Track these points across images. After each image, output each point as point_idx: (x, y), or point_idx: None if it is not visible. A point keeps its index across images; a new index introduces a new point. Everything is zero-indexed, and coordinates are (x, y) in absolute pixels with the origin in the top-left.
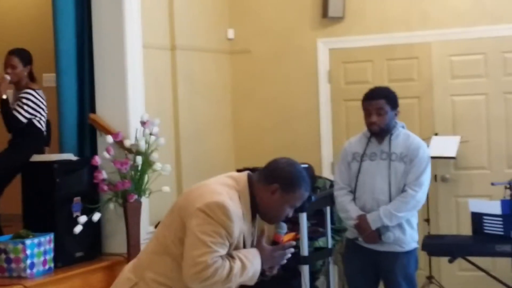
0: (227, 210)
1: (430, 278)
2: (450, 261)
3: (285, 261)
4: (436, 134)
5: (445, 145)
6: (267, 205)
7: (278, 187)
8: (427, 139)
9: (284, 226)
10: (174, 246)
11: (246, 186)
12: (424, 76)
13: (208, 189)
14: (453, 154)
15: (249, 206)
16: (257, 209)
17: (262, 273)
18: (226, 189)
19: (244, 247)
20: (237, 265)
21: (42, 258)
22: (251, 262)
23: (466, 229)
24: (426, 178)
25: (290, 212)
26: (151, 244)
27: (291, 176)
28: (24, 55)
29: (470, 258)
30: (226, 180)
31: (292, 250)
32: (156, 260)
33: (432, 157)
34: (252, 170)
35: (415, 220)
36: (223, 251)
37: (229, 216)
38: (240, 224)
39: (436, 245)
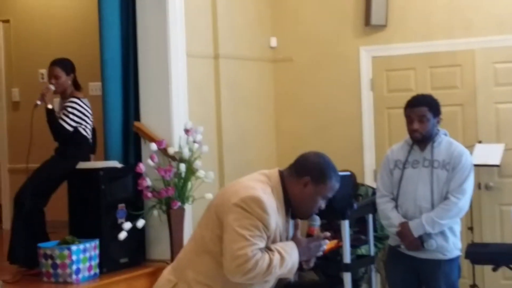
0: (263, 203)
1: (473, 286)
2: (494, 270)
3: (321, 253)
4: (479, 142)
5: (489, 153)
6: (300, 199)
7: (309, 179)
8: (470, 147)
9: (317, 219)
10: (212, 244)
11: (278, 181)
12: (468, 83)
13: (242, 185)
14: (497, 162)
15: (282, 200)
16: (290, 203)
17: (300, 266)
18: (259, 184)
19: (280, 241)
20: (276, 257)
21: (87, 264)
22: (289, 254)
23: (510, 238)
24: (469, 185)
25: (322, 204)
26: (188, 245)
27: (321, 167)
28: (66, 65)
29: None
30: (259, 177)
31: (327, 241)
32: (195, 259)
33: (476, 165)
34: None
35: (458, 228)
36: (261, 244)
37: (265, 209)
38: (275, 217)
39: (479, 253)
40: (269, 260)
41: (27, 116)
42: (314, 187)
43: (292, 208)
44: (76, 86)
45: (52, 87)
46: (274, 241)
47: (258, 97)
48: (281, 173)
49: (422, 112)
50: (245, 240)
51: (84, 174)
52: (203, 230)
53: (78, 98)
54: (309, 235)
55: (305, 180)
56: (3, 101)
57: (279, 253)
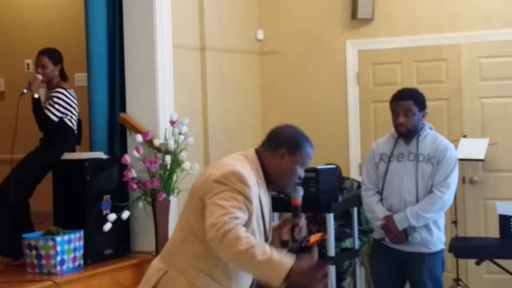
0: (242, 176)
1: (457, 280)
2: (478, 264)
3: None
4: (464, 136)
5: (474, 147)
6: (279, 171)
7: (285, 150)
8: (455, 141)
9: (300, 189)
10: (198, 227)
11: (255, 159)
12: (453, 78)
13: (221, 164)
14: (481, 157)
15: (262, 175)
16: (270, 179)
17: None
18: (238, 162)
19: (263, 218)
20: (261, 248)
21: (72, 255)
22: (279, 259)
23: (494, 232)
24: (454, 179)
25: (301, 173)
26: (175, 233)
27: (294, 137)
28: (53, 55)
29: (498, 260)
30: (237, 156)
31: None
32: (183, 244)
33: (461, 159)
34: None
35: (442, 221)
36: (241, 214)
37: (245, 182)
38: (256, 191)
39: (463, 247)
40: (252, 243)
41: (12, 106)
42: (290, 157)
43: (273, 182)
44: (63, 76)
45: (40, 77)
46: (261, 218)
47: (245, 89)
48: (257, 151)
49: (407, 106)
50: (222, 209)
51: (69, 165)
52: (188, 215)
53: (64, 89)
54: (293, 206)
55: (281, 152)
56: None
57: (269, 250)
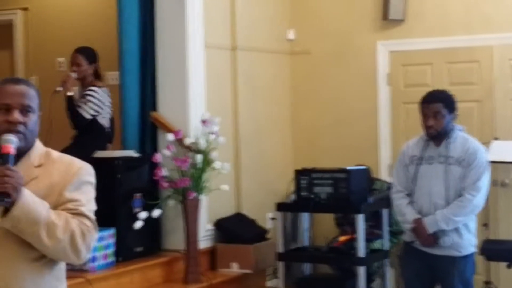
0: None
1: (488, 283)
2: (509, 267)
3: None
4: (496, 139)
5: (506, 150)
6: None
7: None
8: (487, 144)
9: (7, 135)
10: None
11: None
12: (485, 80)
13: None
14: None
15: None
16: None
17: None
18: None
19: None
20: None
21: (103, 252)
22: None
23: None
24: (484, 182)
25: (8, 116)
26: None
27: None
28: (89, 53)
29: None
30: None
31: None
32: None
33: (492, 162)
34: (310, 170)
35: (473, 225)
36: None
37: None
38: None
39: (495, 250)
40: None
41: (45, 105)
42: None
43: None
44: (97, 75)
45: (73, 75)
46: None
47: (275, 89)
48: None
49: (437, 109)
50: None
51: (101, 162)
52: None
53: (98, 87)
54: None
55: None
56: None
57: None
